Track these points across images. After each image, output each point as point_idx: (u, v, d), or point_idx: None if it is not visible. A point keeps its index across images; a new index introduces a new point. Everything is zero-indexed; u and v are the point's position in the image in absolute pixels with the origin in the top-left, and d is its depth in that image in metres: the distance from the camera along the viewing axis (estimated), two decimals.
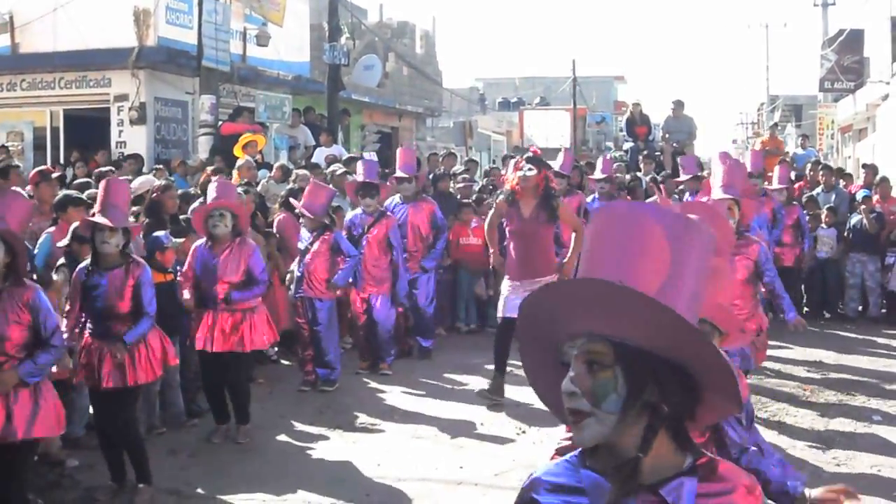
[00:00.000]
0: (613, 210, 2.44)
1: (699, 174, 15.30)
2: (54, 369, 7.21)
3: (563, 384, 2.34)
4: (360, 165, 13.35)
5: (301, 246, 11.65)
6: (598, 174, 16.00)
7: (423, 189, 14.46)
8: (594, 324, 2.30)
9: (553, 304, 2.34)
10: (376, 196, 12.48)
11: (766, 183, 15.19)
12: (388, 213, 12.79)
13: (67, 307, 8.08)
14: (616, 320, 2.28)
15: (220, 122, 19.31)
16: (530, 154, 11.01)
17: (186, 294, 9.49)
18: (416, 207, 13.30)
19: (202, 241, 9.67)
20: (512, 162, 11.93)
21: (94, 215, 7.99)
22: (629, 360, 2.30)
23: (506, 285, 10.79)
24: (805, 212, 16.55)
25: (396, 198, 13.45)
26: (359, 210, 12.58)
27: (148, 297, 7.83)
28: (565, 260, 10.77)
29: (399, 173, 13.39)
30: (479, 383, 11.57)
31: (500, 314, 10.73)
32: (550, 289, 2.35)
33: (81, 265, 7.97)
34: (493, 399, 10.67)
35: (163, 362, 8.07)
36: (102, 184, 8.16)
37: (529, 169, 10.49)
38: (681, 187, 16.18)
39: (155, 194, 11.11)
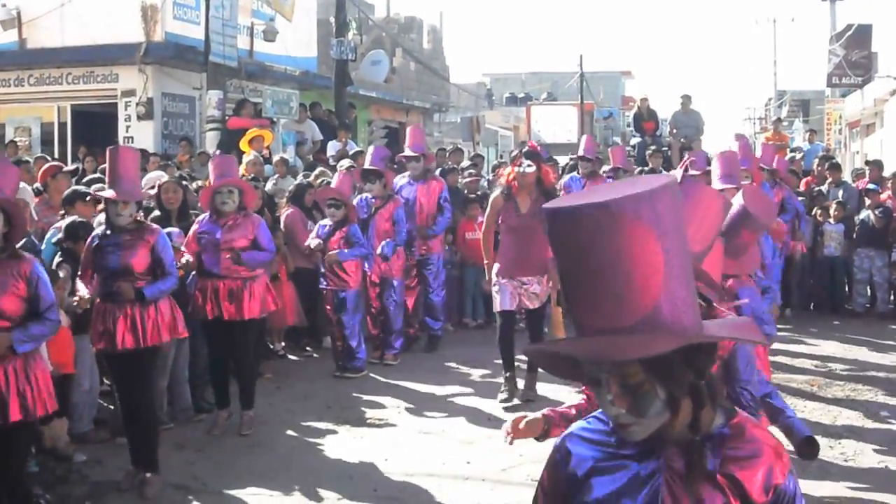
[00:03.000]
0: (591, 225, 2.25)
1: (709, 169, 15.41)
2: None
3: (605, 407, 2.37)
4: (368, 150, 13.63)
5: (314, 240, 11.72)
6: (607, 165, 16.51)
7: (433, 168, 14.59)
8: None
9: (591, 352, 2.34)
10: (377, 182, 12.54)
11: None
12: (395, 195, 12.89)
13: (80, 274, 8.17)
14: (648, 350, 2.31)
15: (227, 117, 19.33)
16: (528, 149, 10.87)
17: (187, 257, 9.42)
18: (424, 186, 13.39)
19: (205, 214, 9.70)
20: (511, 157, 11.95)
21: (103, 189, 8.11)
22: (661, 368, 2.31)
23: (495, 281, 10.52)
24: (816, 208, 16.61)
25: (406, 176, 13.53)
26: (365, 194, 12.71)
27: (169, 258, 7.94)
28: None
29: (407, 152, 13.53)
30: (486, 378, 11.60)
31: (496, 308, 10.59)
32: (596, 345, 2.31)
33: (95, 231, 8.08)
34: (529, 396, 10.46)
35: (170, 329, 8.05)
36: (109, 154, 8.01)
37: (528, 165, 10.31)
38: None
39: (154, 189, 11.09)
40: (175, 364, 9.83)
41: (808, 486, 7.86)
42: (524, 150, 10.74)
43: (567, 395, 10.03)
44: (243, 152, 16.24)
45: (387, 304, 12.60)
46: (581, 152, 16.19)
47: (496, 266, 10.50)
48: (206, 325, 9.67)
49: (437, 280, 13.58)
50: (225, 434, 9.49)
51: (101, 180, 11.53)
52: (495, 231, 10.83)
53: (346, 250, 11.50)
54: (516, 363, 10.69)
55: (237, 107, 19.55)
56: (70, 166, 13.58)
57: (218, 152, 14.51)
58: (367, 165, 12.90)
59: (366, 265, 12.24)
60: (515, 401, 10.36)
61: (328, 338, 12.82)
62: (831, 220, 16.53)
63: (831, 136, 38.58)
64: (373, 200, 12.59)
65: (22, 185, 9.66)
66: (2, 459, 6.42)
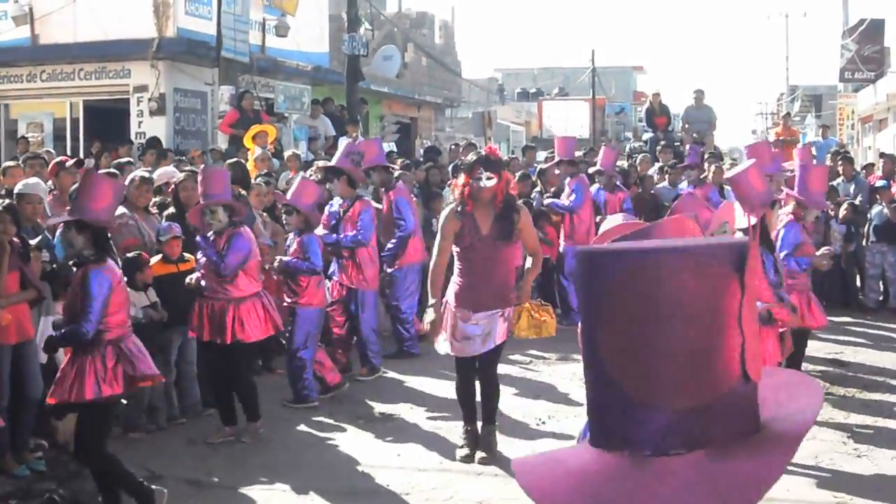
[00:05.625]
0: None
1: (700, 163, 16.66)
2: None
3: None
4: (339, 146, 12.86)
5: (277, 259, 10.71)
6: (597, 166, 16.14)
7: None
8: None
9: None
10: (336, 180, 11.68)
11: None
12: (364, 197, 11.95)
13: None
14: None
15: (230, 107, 19.31)
16: (487, 156, 8.60)
17: (195, 276, 9.31)
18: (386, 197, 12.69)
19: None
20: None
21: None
22: None
23: (450, 315, 8.50)
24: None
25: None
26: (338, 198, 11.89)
27: (90, 303, 6.95)
28: (521, 285, 8.59)
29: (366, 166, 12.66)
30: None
31: (455, 352, 8.60)
32: None
33: None
34: (487, 458, 8.60)
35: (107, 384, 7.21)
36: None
37: (488, 177, 8.27)
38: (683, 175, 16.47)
39: (172, 186, 11.09)
40: (182, 359, 9.85)
41: (821, 483, 7.87)
42: (482, 159, 8.50)
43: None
44: (248, 148, 16.26)
45: (359, 325, 11.68)
46: (599, 167, 15.88)
47: (451, 294, 8.58)
48: (199, 346, 9.57)
49: (402, 297, 12.78)
50: (236, 429, 9.42)
51: (114, 175, 11.58)
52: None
53: (294, 261, 10.32)
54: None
55: (239, 98, 19.47)
56: (71, 161, 13.59)
57: (210, 163, 14.35)
58: (332, 163, 12.25)
59: (327, 285, 11.20)
60: (480, 455, 8.68)
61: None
62: (838, 219, 16.45)
63: (844, 132, 38.49)
64: (343, 203, 11.67)
65: (36, 180, 9.71)
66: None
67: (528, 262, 8.71)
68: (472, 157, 8.81)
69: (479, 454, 8.61)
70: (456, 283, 8.56)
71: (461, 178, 8.58)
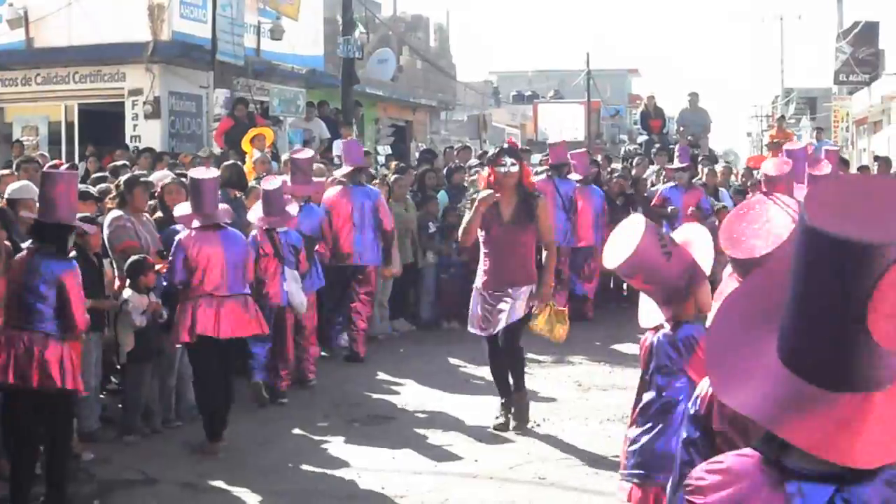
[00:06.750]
0: None
1: (689, 165, 16.49)
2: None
3: None
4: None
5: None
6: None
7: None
8: None
9: None
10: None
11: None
12: (307, 205, 11.68)
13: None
14: None
15: (224, 115, 19.27)
16: (509, 146, 9.69)
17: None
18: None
19: None
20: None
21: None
22: None
23: (477, 297, 9.36)
24: None
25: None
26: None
27: None
28: (542, 283, 9.23)
29: (341, 171, 12.77)
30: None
31: (482, 331, 9.42)
32: None
33: None
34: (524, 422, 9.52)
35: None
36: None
37: (512, 164, 9.07)
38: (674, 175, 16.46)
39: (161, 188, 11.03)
40: (180, 361, 9.81)
41: None
42: (505, 148, 9.55)
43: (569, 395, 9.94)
44: (245, 152, 16.22)
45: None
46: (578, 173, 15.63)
47: (479, 280, 9.34)
48: None
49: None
50: (232, 432, 9.36)
51: (105, 179, 11.57)
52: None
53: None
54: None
55: (233, 106, 19.40)
56: (64, 165, 13.56)
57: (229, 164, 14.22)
58: None
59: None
60: (513, 423, 9.49)
61: (339, 336, 12.86)
62: None
63: (838, 134, 38.56)
64: None
65: (28, 183, 9.68)
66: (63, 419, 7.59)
67: (545, 258, 9.35)
68: (494, 150, 10.08)
69: (513, 422, 9.44)
70: (482, 268, 9.31)
71: (485, 170, 9.46)
